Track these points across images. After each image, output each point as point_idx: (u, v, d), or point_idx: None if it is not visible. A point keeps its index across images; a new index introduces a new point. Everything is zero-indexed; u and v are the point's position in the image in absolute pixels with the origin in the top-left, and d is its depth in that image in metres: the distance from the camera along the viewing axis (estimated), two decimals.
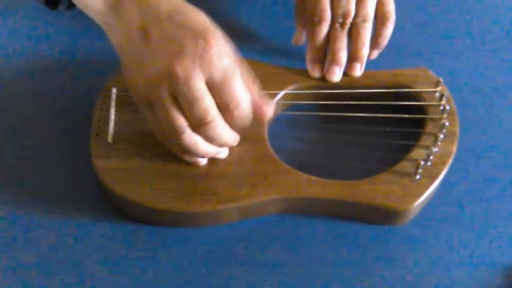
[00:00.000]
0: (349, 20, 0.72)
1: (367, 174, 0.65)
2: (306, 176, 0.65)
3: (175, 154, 0.65)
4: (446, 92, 0.70)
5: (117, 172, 0.65)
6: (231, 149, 0.66)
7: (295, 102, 0.72)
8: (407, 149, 0.67)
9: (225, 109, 0.60)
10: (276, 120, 0.72)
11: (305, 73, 0.72)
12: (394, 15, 0.73)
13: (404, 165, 0.65)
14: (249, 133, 0.65)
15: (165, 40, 0.59)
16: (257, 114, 0.64)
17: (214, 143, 0.63)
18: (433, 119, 0.68)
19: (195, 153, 0.63)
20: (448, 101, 0.70)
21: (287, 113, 0.72)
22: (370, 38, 0.72)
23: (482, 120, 0.74)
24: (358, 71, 0.72)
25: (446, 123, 0.68)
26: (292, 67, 0.73)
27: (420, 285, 0.63)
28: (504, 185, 0.69)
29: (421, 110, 0.70)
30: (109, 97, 0.70)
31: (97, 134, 0.68)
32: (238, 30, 0.81)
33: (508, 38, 0.81)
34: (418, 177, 0.65)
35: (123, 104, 0.69)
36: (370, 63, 0.73)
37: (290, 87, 0.71)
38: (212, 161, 0.66)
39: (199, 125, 0.60)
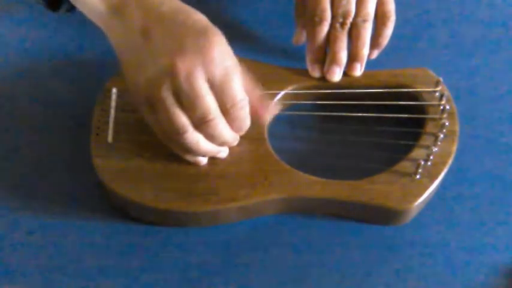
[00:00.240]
0: (350, 19, 0.72)
1: (367, 174, 0.65)
2: (306, 176, 0.65)
3: (176, 153, 0.65)
4: (446, 92, 0.70)
5: (117, 172, 0.65)
6: (231, 148, 0.66)
7: (295, 102, 0.72)
8: (408, 148, 0.67)
9: (224, 108, 0.60)
10: (276, 120, 0.72)
11: (305, 73, 0.72)
12: (395, 15, 0.73)
13: (405, 165, 0.65)
14: (249, 133, 0.65)
15: (167, 39, 0.59)
16: (256, 116, 0.64)
17: (215, 142, 0.63)
18: (433, 119, 0.68)
19: (196, 152, 0.63)
20: (448, 101, 0.69)
21: (287, 113, 0.72)
22: (370, 38, 0.72)
23: (482, 121, 0.73)
24: (358, 70, 0.72)
25: (446, 123, 0.68)
26: (292, 67, 0.73)
27: (420, 285, 0.63)
28: (504, 185, 0.69)
29: (421, 109, 0.70)
30: (109, 97, 0.70)
31: (97, 134, 0.68)
32: (238, 30, 0.81)
33: (508, 37, 0.81)
34: (418, 177, 0.65)
35: (123, 104, 0.69)
36: (370, 63, 0.73)
37: (290, 87, 0.71)
38: (212, 161, 0.66)
39: (201, 123, 0.60)
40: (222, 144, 0.64)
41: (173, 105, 0.59)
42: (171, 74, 0.58)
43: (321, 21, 0.72)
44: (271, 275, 0.64)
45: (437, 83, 0.70)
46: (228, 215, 0.65)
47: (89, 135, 0.68)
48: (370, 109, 0.70)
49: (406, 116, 0.69)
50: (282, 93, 0.71)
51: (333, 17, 0.72)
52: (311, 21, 0.73)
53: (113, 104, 0.69)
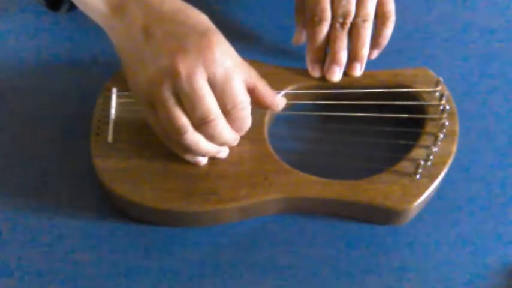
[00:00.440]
0: (350, 19, 0.72)
1: (367, 174, 0.65)
2: (306, 175, 0.65)
3: (176, 153, 0.65)
4: (446, 92, 0.70)
5: (117, 172, 0.65)
6: (231, 148, 0.66)
7: (295, 102, 0.72)
8: (408, 148, 0.67)
9: (225, 108, 0.60)
10: (276, 120, 0.72)
11: (305, 73, 0.72)
12: (394, 15, 0.73)
13: (405, 165, 0.65)
14: (249, 133, 0.65)
15: (168, 38, 0.59)
16: (268, 105, 0.64)
17: (215, 142, 0.63)
18: (433, 119, 0.68)
19: (196, 152, 0.63)
20: (448, 101, 0.69)
21: (287, 113, 0.72)
22: (370, 38, 0.72)
23: (482, 120, 0.74)
24: (358, 70, 0.72)
25: (446, 123, 0.68)
26: (292, 67, 0.73)
27: (420, 285, 0.63)
28: (504, 185, 0.69)
29: (421, 109, 0.70)
30: (109, 97, 0.70)
31: (97, 134, 0.68)
32: (238, 30, 0.81)
33: (508, 37, 0.81)
34: (418, 177, 0.65)
35: (123, 104, 0.69)
36: (370, 63, 0.73)
37: (290, 87, 0.71)
38: (212, 161, 0.66)
39: (201, 124, 0.60)
40: (222, 144, 0.64)
41: (174, 106, 0.59)
42: (171, 74, 0.58)
43: (320, 21, 0.72)
44: (271, 275, 0.64)
45: (437, 83, 0.70)
46: (228, 215, 0.65)
47: (89, 135, 0.68)
48: (370, 109, 0.70)
49: (406, 116, 0.69)
50: (282, 93, 0.71)
51: (333, 17, 0.72)
52: (311, 21, 0.73)
53: (113, 104, 0.69)
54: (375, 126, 0.70)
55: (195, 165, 0.65)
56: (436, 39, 0.81)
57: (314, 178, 0.65)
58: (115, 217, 0.67)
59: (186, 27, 0.59)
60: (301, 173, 0.65)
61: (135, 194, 0.64)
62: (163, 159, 0.66)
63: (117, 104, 0.69)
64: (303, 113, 0.72)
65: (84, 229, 0.66)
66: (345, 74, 0.72)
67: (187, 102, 0.59)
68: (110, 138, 0.67)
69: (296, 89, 0.72)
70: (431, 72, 0.72)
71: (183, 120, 0.60)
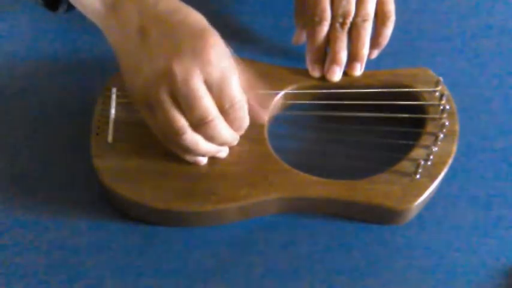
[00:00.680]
0: (349, 19, 0.72)
1: (367, 174, 0.65)
2: (306, 175, 0.65)
3: (176, 154, 0.65)
4: (446, 92, 0.70)
5: (117, 172, 0.65)
6: (231, 148, 0.66)
7: (295, 102, 0.72)
8: (408, 148, 0.67)
9: (223, 109, 0.60)
10: (276, 120, 0.72)
11: (305, 73, 0.72)
12: (394, 15, 0.73)
13: (405, 165, 0.65)
14: (249, 133, 0.65)
15: (163, 40, 0.59)
16: (253, 115, 0.64)
17: (214, 142, 0.63)
18: (433, 119, 0.68)
19: (195, 152, 0.63)
20: (448, 101, 0.70)
21: (287, 112, 0.72)
22: (370, 38, 0.72)
23: (482, 120, 0.73)
24: (358, 70, 0.72)
25: (447, 123, 0.68)
26: (292, 67, 0.73)
27: (420, 285, 0.63)
28: (504, 185, 0.69)
29: (421, 109, 0.70)
30: (109, 97, 0.70)
31: (97, 134, 0.68)
32: (238, 30, 0.81)
33: (508, 37, 0.81)
34: (418, 176, 0.65)
35: (123, 104, 0.69)
36: (370, 63, 0.73)
37: (290, 87, 0.71)
38: (212, 160, 0.66)
39: (200, 125, 0.60)
40: (221, 144, 0.64)
41: (171, 107, 0.59)
42: (168, 77, 0.58)
43: (320, 21, 0.72)
44: (271, 274, 0.64)
45: (437, 83, 0.70)
46: (228, 215, 0.65)
47: (89, 135, 0.68)
48: (370, 109, 0.70)
49: (406, 115, 0.69)
50: (282, 93, 0.71)
51: (333, 17, 0.72)
52: (311, 21, 0.73)
53: (113, 104, 0.69)
54: (375, 126, 0.70)
55: (195, 165, 0.65)
56: (436, 39, 0.81)
57: (314, 178, 0.65)
58: (115, 217, 0.67)
59: (182, 28, 0.59)
60: (301, 173, 0.65)
61: (135, 194, 0.64)
62: (163, 159, 0.66)
63: (117, 104, 0.69)
64: (303, 113, 0.72)
65: (84, 229, 0.66)
66: (345, 73, 0.72)
67: (185, 103, 0.59)
68: (110, 138, 0.67)
69: (296, 89, 0.72)
70: (431, 72, 0.72)
71: (181, 121, 0.60)
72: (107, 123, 0.68)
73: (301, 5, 0.75)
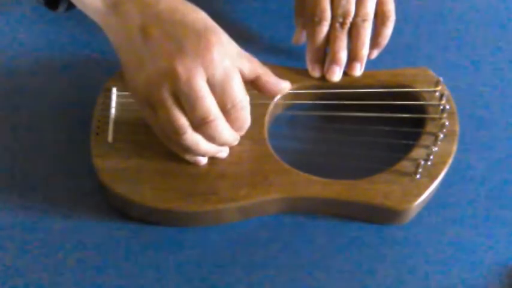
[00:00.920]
0: (349, 19, 0.72)
1: (367, 173, 0.65)
2: (306, 175, 0.65)
3: (176, 153, 0.65)
4: (446, 92, 0.70)
5: (117, 172, 0.65)
6: (231, 148, 0.66)
7: (295, 102, 0.72)
8: (408, 148, 0.67)
9: (224, 109, 0.60)
10: (276, 120, 0.72)
11: (305, 73, 0.72)
12: (394, 15, 0.73)
13: (405, 165, 0.65)
14: (249, 133, 0.65)
15: (166, 39, 0.59)
16: (274, 92, 0.65)
17: (215, 142, 0.63)
18: (433, 119, 0.68)
19: (196, 152, 0.63)
20: (448, 101, 0.70)
21: (287, 112, 0.72)
22: (370, 38, 0.72)
23: (482, 120, 0.73)
24: (358, 70, 0.72)
25: (447, 123, 0.68)
26: (292, 67, 0.73)
27: (420, 285, 0.63)
28: (504, 185, 0.69)
29: (421, 109, 0.70)
30: (109, 97, 0.70)
31: (97, 134, 0.68)
32: (238, 30, 0.81)
33: (508, 37, 0.81)
34: (418, 176, 0.65)
35: (123, 104, 0.69)
36: (370, 63, 0.73)
37: (290, 87, 0.71)
38: (212, 160, 0.66)
39: (201, 124, 0.60)
40: (222, 144, 0.64)
41: (173, 106, 0.59)
42: (170, 76, 0.58)
43: (320, 21, 0.72)
44: (271, 274, 0.64)
45: (437, 83, 0.70)
46: (228, 214, 0.65)
47: (89, 135, 0.68)
48: (370, 109, 0.70)
49: (406, 115, 0.69)
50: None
51: (333, 17, 0.72)
52: (311, 21, 0.73)
53: (113, 104, 0.69)
54: (375, 126, 0.70)
55: (195, 165, 0.65)
56: (436, 39, 0.81)
57: (314, 178, 0.65)
58: (115, 217, 0.67)
59: (184, 27, 0.59)
60: (301, 173, 0.65)
61: (135, 194, 0.64)
62: (163, 159, 0.66)
63: (117, 104, 0.69)
64: (303, 113, 0.72)
65: (84, 229, 0.66)
66: (345, 73, 0.72)
67: (187, 103, 0.59)
68: (110, 138, 0.67)
69: (296, 89, 0.72)
70: (431, 72, 0.72)
71: (182, 120, 0.60)
72: (107, 123, 0.68)
73: (301, 4, 0.75)
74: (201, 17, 0.60)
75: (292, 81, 0.71)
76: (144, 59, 0.59)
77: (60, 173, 0.70)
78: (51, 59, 0.78)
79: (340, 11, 0.72)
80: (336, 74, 0.72)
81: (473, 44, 0.80)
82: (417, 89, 0.70)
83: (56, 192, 0.68)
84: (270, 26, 0.81)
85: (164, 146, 0.65)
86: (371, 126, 0.70)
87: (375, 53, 0.74)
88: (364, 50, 0.72)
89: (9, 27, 0.82)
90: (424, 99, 0.70)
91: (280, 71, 0.72)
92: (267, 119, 0.69)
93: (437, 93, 0.70)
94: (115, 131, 0.68)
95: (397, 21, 0.73)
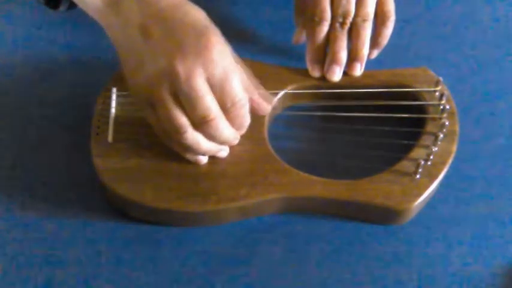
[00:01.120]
0: (349, 19, 0.72)
1: (367, 173, 0.65)
2: (306, 175, 0.65)
3: (176, 153, 0.65)
4: (446, 92, 0.70)
5: (117, 172, 0.65)
6: (231, 148, 0.66)
7: (296, 101, 0.72)
8: (408, 148, 0.67)
9: (224, 107, 0.60)
10: (276, 120, 0.72)
11: (305, 73, 0.72)
12: (394, 15, 0.73)
13: (405, 165, 0.65)
14: (249, 133, 0.65)
15: (166, 38, 0.59)
16: (256, 110, 0.64)
17: (215, 141, 0.63)
18: (433, 119, 0.68)
19: (196, 151, 0.63)
20: (448, 101, 0.70)
21: (287, 112, 0.72)
22: (370, 38, 0.72)
23: (482, 120, 0.73)
24: (358, 70, 0.72)
25: (447, 123, 0.68)
26: (292, 67, 0.73)
27: (420, 285, 0.63)
28: (504, 184, 0.69)
29: (421, 109, 0.70)
30: (109, 97, 0.70)
31: (97, 134, 0.68)
32: (238, 30, 0.81)
33: (508, 37, 0.81)
34: (418, 176, 0.65)
35: (123, 104, 0.69)
36: (370, 63, 0.73)
37: (290, 87, 0.71)
38: (212, 160, 0.66)
39: (201, 123, 0.60)
40: (222, 143, 0.64)
41: (173, 106, 0.59)
42: (170, 76, 0.58)
43: (320, 21, 0.72)
44: (271, 274, 0.64)
45: (437, 83, 0.71)
46: (228, 214, 0.65)
47: (89, 135, 0.68)
48: (370, 109, 0.70)
49: (406, 115, 0.69)
50: (282, 93, 0.71)
51: (333, 17, 0.72)
52: (311, 21, 0.73)
53: (113, 103, 0.69)
54: (375, 126, 0.70)
55: (195, 164, 0.65)
56: (436, 39, 0.81)
57: (314, 178, 0.65)
58: (115, 217, 0.67)
59: (184, 26, 0.59)
60: (301, 173, 0.65)
61: (135, 194, 0.64)
62: (164, 159, 0.66)
63: (117, 104, 0.69)
64: (303, 113, 0.72)
65: (84, 229, 0.66)
66: (345, 73, 0.72)
67: (187, 102, 0.59)
68: (110, 138, 0.67)
69: (296, 89, 0.72)
70: (431, 72, 0.72)
71: (183, 119, 0.60)
72: (107, 123, 0.68)
73: (301, 4, 0.75)
74: (201, 16, 0.60)
75: (292, 81, 0.72)
76: (144, 58, 0.60)
77: (61, 173, 0.70)
78: (52, 58, 0.78)
79: (340, 11, 0.72)
80: (336, 74, 0.72)
81: (473, 44, 0.80)
82: (417, 89, 0.71)
83: (56, 192, 0.68)
84: (269, 26, 0.81)
85: (164, 146, 0.65)
86: (371, 126, 0.70)
87: (375, 53, 0.74)
88: (364, 50, 0.72)
89: (9, 27, 0.82)
90: (424, 99, 0.70)
91: (280, 71, 0.72)
92: (267, 118, 0.69)
93: (437, 93, 0.70)
94: (115, 131, 0.68)
95: (397, 21, 0.73)
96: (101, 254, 0.65)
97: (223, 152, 0.66)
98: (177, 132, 0.60)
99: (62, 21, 0.81)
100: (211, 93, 0.59)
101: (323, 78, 0.72)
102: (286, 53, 0.78)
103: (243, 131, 0.64)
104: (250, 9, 0.83)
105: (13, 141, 0.72)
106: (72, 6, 0.74)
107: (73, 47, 0.79)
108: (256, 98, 0.64)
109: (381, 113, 0.70)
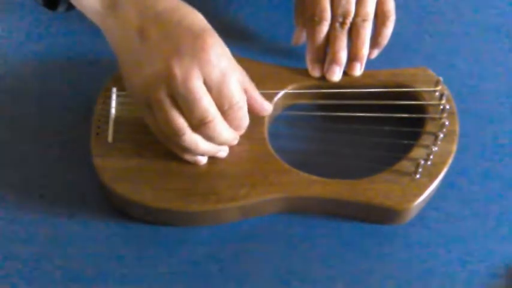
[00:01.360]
0: (349, 19, 0.72)
1: (367, 173, 0.65)
2: (306, 175, 0.65)
3: (176, 153, 0.65)
4: (446, 92, 0.70)
5: (117, 171, 0.65)
6: (231, 148, 0.66)
7: (296, 101, 0.72)
8: (408, 148, 0.67)
9: (222, 109, 0.60)
10: (276, 119, 0.72)
11: (305, 73, 0.72)
12: (394, 15, 0.73)
13: (405, 165, 0.65)
14: (249, 133, 0.65)
15: (163, 41, 0.59)
16: (256, 111, 0.64)
17: (214, 142, 0.63)
18: (433, 118, 0.68)
19: (195, 152, 0.63)
20: (448, 101, 0.69)
21: (287, 112, 0.72)
22: (370, 38, 0.72)
23: (482, 120, 0.73)
24: (358, 70, 0.72)
25: (446, 123, 0.68)
26: (292, 67, 0.73)
27: (420, 285, 0.63)
28: (504, 184, 0.69)
29: (421, 109, 0.70)
30: (109, 97, 0.70)
31: (97, 134, 0.68)
32: (238, 30, 0.81)
33: (508, 37, 0.81)
34: (418, 176, 0.65)
35: (123, 103, 0.69)
36: (370, 63, 0.73)
37: (290, 87, 0.71)
38: (212, 160, 0.66)
39: (199, 125, 0.60)
40: (221, 144, 0.64)
41: (171, 108, 0.59)
42: (167, 78, 0.58)
43: (320, 20, 0.72)
44: (271, 274, 0.64)
45: (437, 83, 0.70)
46: (228, 214, 0.65)
47: (89, 135, 0.68)
48: (370, 109, 0.70)
49: (406, 115, 0.69)
50: (282, 92, 0.71)
51: (333, 17, 0.72)
52: (311, 21, 0.73)
53: (113, 103, 0.69)
54: (375, 126, 0.70)
55: (195, 165, 0.65)
56: (436, 39, 0.81)
57: (314, 178, 0.65)
58: (115, 217, 0.67)
59: (181, 28, 0.59)
60: (301, 173, 0.65)
61: (135, 194, 0.64)
62: (163, 158, 0.66)
63: (117, 104, 0.69)
64: (303, 113, 0.72)
65: (84, 229, 0.66)
66: (345, 73, 0.72)
67: (185, 104, 0.59)
68: (110, 138, 0.67)
69: (296, 89, 0.72)
70: (431, 72, 0.72)
71: (181, 121, 0.60)
72: (107, 123, 0.68)
73: (301, 4, 0.75)
74: (198, 18, 0.60)
75: (292, 81, 0.72)
76: (142, 60, 0.60)
77: (61, 173, 0.70)
78: (51, 59, 0.78)
79: (340, 11, 0.72)
80: (336, 74, 0.72)
81: (473, 44, 0.80)
82: (417, 89, 0.70)
83: (56, 192, 0.68)
84: (269, 26, 0.81)
85: (164, 146, 0.65)
86: (371, 126, 0.70)
87: (375, 53, 0.74)
88: (364, 50, 0.72)
89: (9, 27, 0.82)
90: (424, 99, 0.70)
91: (280, 71, 0.72)
92: (267, 118, 0.69)
93: (437, 93, 0.70)
94: (115, 131, 0.68)
95: (397, 21, 0.73)
96: (100, 254, 0.65)
97: (223, 152, 0.66)
98: (175, 134, 0.60)
99: (62, 21, 0.81)
100: (208, 94, 0.59)
101: (323, 78, 0.72)
102: (286, 53, 0.78)
103: (242, 132, 0.64)
104: (250, 9, 0.83)
105: (13, 141, 0.72)
106: (71, 7, 0.74)
107: (73, 47, 0.79)
108: (259, 97, 0.64)
109: (381, 113, 0.70)
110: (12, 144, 0.72)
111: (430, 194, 0.65)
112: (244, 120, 0.63)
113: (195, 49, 0.58)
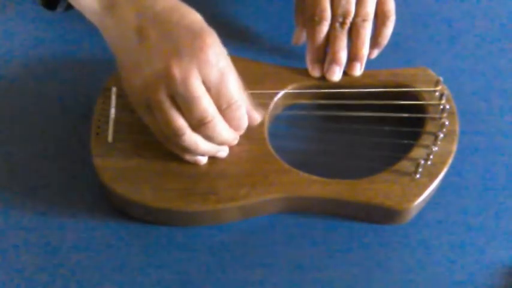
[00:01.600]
0: (349, 19, 0.72)
1: (367, 173, 0.65)
2: (306, 175, 0.65)
3: (176, 153, 0.65)
4: (446, 91, 0.70)
5: (117, 171, 0.65)
6: (231, 148, 0.66)
7: (296, 101, 0.72)
8: (408, 148, 0.67)
9: (221, 108, 0.60)
10: (276, 119, 0.72)
11: (305, 72, 0.72)
12: (394, 15, 0.73)
13: (405, 165, 0.65)
14: (249, 132, 0.65)
15: (162, 41, 0.59)
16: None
17: (214, 142, 0.63)
18: (433, 118, 0.68)
19: (195, 152, 0.63)
20: (448, 100, 0.70)
21: (287, 112, 0.72)
22: (370, 37, 0.72)
23: (482, 120, 0.73)
24: (358, 70, 0.72)
25: (446, 123, 0.68)
26: (292, 67, 0.73)
27: (420, 285, 0.63)
28: (504, 184, 0.69)
29: (421, 109, 0.70)
30: (109, 97, 0.70)
31: (97, 134, 0.68)
32: (238, 30, 0.81)
33: (508, 37, 0.81)
34: (418, 176, 0.65)
35: (123, 103, 0.69)
36: (370, 63, 0.73)
37: (290, 87, 0.71)
38: (212, 160, 0.66)
39: (199, 125, 0.60)
40: (221, 144, 0.64)
41: (170, 108, 0.59)
42: (166, 78, 0.58)
43: (320, 20, 0.72)
44: (271, 274, 0.64)
45: (437, 83, 0.70)
46: (228, 214, 0.65)
47: (89, 135, 0.68)
48: (370, 109, 0.70)
49: (406, 115, 0.69)
50: (282, 92, 0.71)
51: (333, 17, 0.72)
52: (311, 20, 0.73)
53: (113, 103, 0.69)
54: (375, 126, 0.70)
55: (195, 165, 0.65)
56: (436, 39, 0.81)
57: (314, 177, 0.65)
58: (115, 217, 0.67)
59: (180, 29, 0.59)
60: (301, 173, 0.65)
61: (135, 194, 0.64)
62: (163, 159, 0.66)
63: (117, 103, 0.69)
64: (303, 112, 0.72)
65: (84, 229, 0.66)
66: (345, 73, 0.72)
67: (184, 104, 0.59)
68: (110, 138, 0.67)
69: (296, 89, 0.72)
70: (431, 72, 0.72)
71: (180, 122, 0.60)
72: (107, 123, 0.68)
73: (301, 4, 0.75)
74: (197, 18, 0.60)
75: (292, 81, 0.72)
76: (141, 61, 0.60)
77: (60, 172, 0.70)
78: (51, 58, 0.78)
79: (340, 11, 0.72)
80: (336, 74, 0.72)
81: (474, 44, 0.80)
82: (417, 89, 0.70)
83: (56, 192, 0.68)
84: (269, 26, 0.81)
85: (164, 146, 0.65)
86: (371, 126, 0.70)
87: (375, 53, 0.74)
88: (364, 50, 0.72)
89: (8, 27, 0.82)
90: (424, 99, 0.70)
91: (280, 71, 0.72)
92: (267, 118, 0.69)
93: (437, 93, 0.70)
94: (115, 131, 0.68)
95: (397, 21, 0.73)
96: (100, 254, 0.65)
97: (223, 152, 0.66)
98: (175, 134, 0.60)
99: (62, 21, 0.81)
100: (207, 95, 0.59)
101: (323, 78, 0.72)
102: (286, 53, 0.78)
103: (242, 131, 0.64)
104: (251, 9, 0.83)
105: (13, 141, 0.72)
106: (70, 7, 0.74)
107: (73, 47, 0.79)
108: (248, 108, 0.64)
109: (381, 112, 0.70)
110: (11, 143, 0.72)
111: (430, 194, 0.65)
112: (244, 120, 0.63)
113: (194, 49, 0.58)
